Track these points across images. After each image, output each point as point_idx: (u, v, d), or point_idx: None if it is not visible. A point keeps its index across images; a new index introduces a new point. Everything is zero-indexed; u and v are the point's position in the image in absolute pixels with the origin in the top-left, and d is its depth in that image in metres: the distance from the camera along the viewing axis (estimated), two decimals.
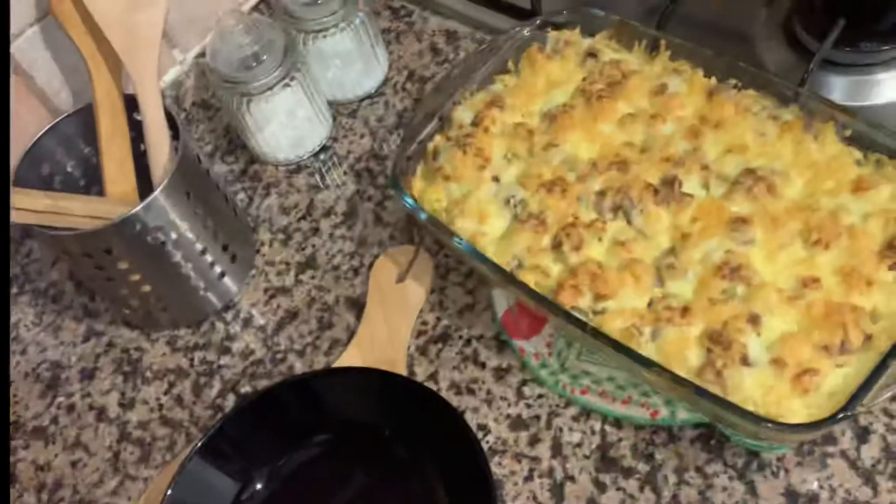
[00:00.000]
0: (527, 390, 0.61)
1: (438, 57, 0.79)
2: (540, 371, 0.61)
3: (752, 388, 0.51)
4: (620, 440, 0.58)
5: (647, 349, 0.53)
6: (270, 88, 0.70)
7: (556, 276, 0.57)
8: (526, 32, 0.68)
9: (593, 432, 0.58)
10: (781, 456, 0.55)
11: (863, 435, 0.55)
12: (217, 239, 0.66)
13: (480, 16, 0.80)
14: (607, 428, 0.58)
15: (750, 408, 0.50)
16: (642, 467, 0.57)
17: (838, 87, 0.70)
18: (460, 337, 0.64)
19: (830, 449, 0.55)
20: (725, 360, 0.51)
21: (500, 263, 0.58)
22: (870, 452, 0.54)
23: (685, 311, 0.54)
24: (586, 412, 0.59)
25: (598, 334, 0.54)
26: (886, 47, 0.69)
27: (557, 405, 0.60)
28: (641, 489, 0.56)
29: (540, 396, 0.60)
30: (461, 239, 0.59)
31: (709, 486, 0.55)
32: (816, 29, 0.70)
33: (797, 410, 0.50)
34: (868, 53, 0.69)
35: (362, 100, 0.78)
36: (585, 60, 0.67)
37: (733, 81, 0.63)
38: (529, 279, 0.57)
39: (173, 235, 0.63)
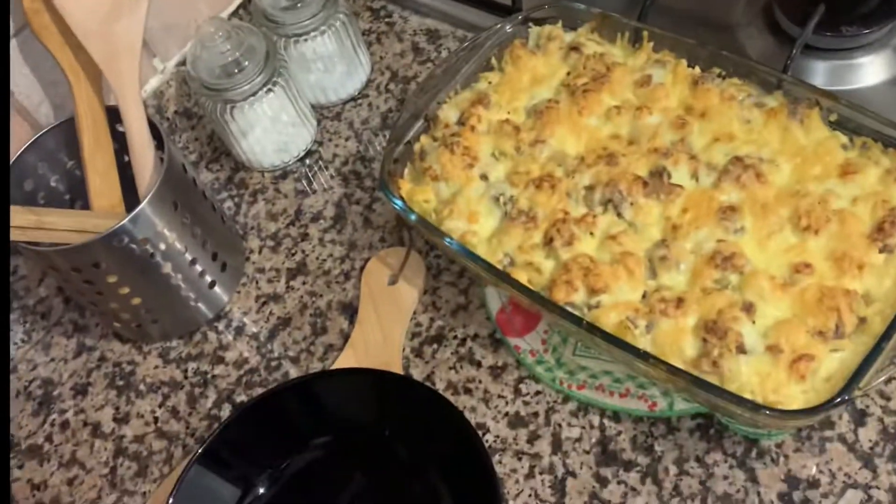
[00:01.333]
0: (524, 388, 0.61)
1: (420, 56, 0.79)
2: (536, 368, 0.61)
3: (748, 375, 0.51)
4: (619, 433, 0.58)
5: (643, 342, 0.53)
6: (253, 94, 0.69)
7: (549, 272, 0.57)
8: (508, 29, 0.68)
9: (592, 427, 0.58)
10: (780, 443, 0.56)
11: (860, 418, 0.55)
12: (206, 248, 0.66)
13: (461, 13, 0.80)
14: (606, 422, 0.58)
15: (747, 396, 0.50)
16: (642, 460, 0.57)
17: (821, 72, 0.70)
18: (455, 337, 0.64)
19: (828, 433, 0.55)
20: (721, 349, 0.51)
21: (492, 262, 0.58)
22: (867, 435, 0.55)
23: (679, 302, 0.54)
24: (584, 407, 0.59)
25: (593, 330, 0.54)
26: (867, 30, 0.69)
27: (555, 401, 0.60)
28: (643, 481, 0.56)
29: (537, 393, 0.60)
30: (452, 239, 0.59)
31: (709, 475, 0.55)
32: (797, 14, 0.70)
33: (795, 396, 0.50)
34: (849, 37, 0.69)
35: (346, 102, 0.78)
36: (569, 55, 0.67)
37: (717, 70, 0.63)
38: (522, 276, 0.57)
39: (162, 246, 0.62)
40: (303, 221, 0.72)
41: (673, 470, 0.56)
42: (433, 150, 0.64)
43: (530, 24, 0.69)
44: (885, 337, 0.50)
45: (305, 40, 0.72)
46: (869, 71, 0.70)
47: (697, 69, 0.64)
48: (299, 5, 0.71)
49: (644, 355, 0.52)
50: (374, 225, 0.71)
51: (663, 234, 0.57)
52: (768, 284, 0.53)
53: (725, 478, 0.55)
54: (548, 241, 0.58)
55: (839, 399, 0.48)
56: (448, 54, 0.79)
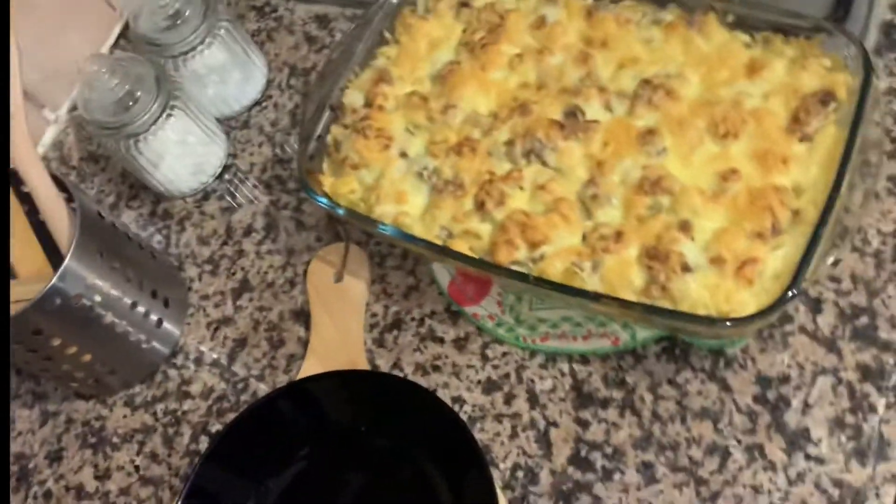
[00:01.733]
0: (490, 352, 0.61)
1: (315, 45, 0.77)
2: (498, 330, 0.61)
3: (698, 292, 0.51)
4: (591, 375, 0.58)
5: (591, 282, 0.54)
6: (154, 122, 0.67)
7: (488, 235, 0.57)
8: (382, 15, 0.66)
9: (563, 374, 0.59)
10: (745, 347, 0.57)
11: (816, 306, 0.56)
12: (143, 288, 0.64)
13: None
14: (575, 367, 0.59)
15: (701, 311, 0.51)
16: (617, 394, 0.57)
17: None
18: (412, 319, 0.63)
19: (789, 328, 0.56)
20: (667, 273, 0.52)
21: (430, 238, 0.58)
22: (826, 320, 0.56)
23: (618, 236, 0.54)
24: (552, 357, 0.60)
25: (542, 282, 0.54)
26: None
27: (523, 358, 0.60)
28: (622, 415, 0.57)
29: (504, 355, 0.60)
30: (385, 225, 0.58)
31: (684, 394, 0.56)
32: None
33: (747, 301, 0.51)
34: None
35: (250, 108, 0.76)
36: (460, 11, 0.66)
37: None
38: (462, 246, 0.57)
39: (97, 298, 0.61)
40: (235, 238, 0.71)
41: (648, 397, 0.57)
42: (347, 139, 0.62)
43: None
44: (820, 224, 0.50)
45: (193, 56, 0.70)
46: None
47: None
48: (179, 23, 0.69)
49: (595, 296, 0.53)
50: (306, 226, 0.70)
51: (590, 173, 0.57)
52: (699, 199, 0.54)
53: (699, 393, 0.56)
54: (480, 206, 0.58)
55: (790, 294, 0.49)
56: (342, 37, 0.77)
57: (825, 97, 0.54)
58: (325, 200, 0.60)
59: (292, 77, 0.77)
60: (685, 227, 0.53)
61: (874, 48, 0.64)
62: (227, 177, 0.74)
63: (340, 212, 0.60)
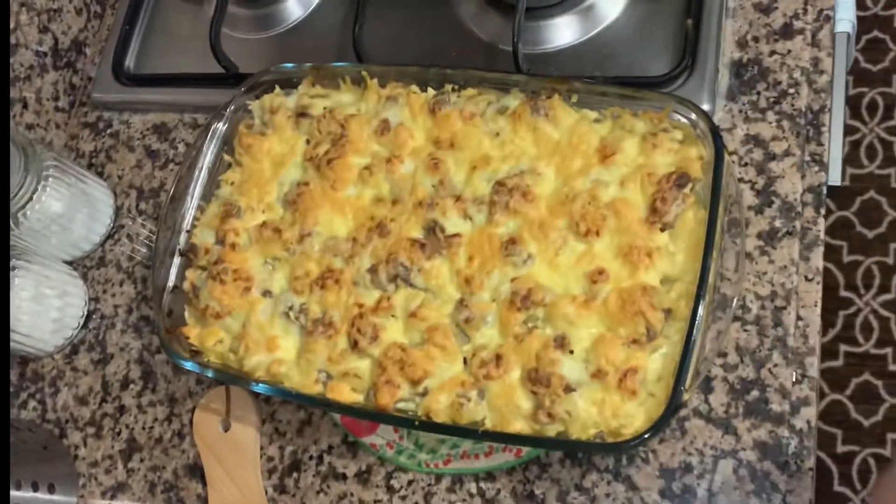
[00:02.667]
0: (395, 483, 0.59)
1: (158, 160, 0.72)
2: (399, 458, 0.59)
3: (585, 409, 0.50)
4: (499, 491, 0.57)
5: (479, 411, 0.52)
6: None
7: (368, 373, 0.55)
8: (222, 125, 0.62)
9: (472, 495, 0.57)
10: None
11: (706, 385, 0.56)
12: (22, 486, 0.60)
13: (180, 98, 0.72)
14: (483, 485, 0.57)
15: (591, 430, 0.50)
16: None
17: (563, 29, 0.67)
18: (311, 457, 0.61)
19: (683, 413, 0.55)
20: (551, 397, 0.50)
21: (308, 383, 0.55)
22: (718, 400, 0.55)
23: (498, 359, 0.52)
24: (458, 478, 0.58)
25: (429, 426, 0.52)
26: None
27: (429, 484, 0.58)
28: None
29: (410, 483, 0.59)
30: (259, 382, 0.55)
31: (592, 498, 0.55)
32: None
33: (634, 413, 0.50)
34: None
35: (103, 243, 0.71)
36: (299, 122, 0.62)
37: (449, 87, 0.59)
38: (344, 389, 0.54)
39: None
40: (114, 394, 0.66)
41: None
42: (204, 285, 0.59)
43: (249, 100, 0.63)
44: (691, 327, 0.49)
45: (26, 212, 0.64)
46: (603, 10, 0.66)
47: (431, 91, 0.60)
48: None
49: (482, 436, 0.51)
50: (185, 369, 0.66)
51: (460, 291, 0.55)
52: (572, 307, 0.52)
53: (608, 495, 0.55)
54: (354, 345, 0.55)
55: (672, 409, 0.48)
56: (184, 148, 0.72)
57: (680, 180, 0.53)
58: (191, 364, 0.56)
59: (141, 200, 0.71)
60: (562, 342, 0.51)
61: (727, 92, 0.62)
62: (91, 325, 0.69)
63: (210, 374, 0.57)
